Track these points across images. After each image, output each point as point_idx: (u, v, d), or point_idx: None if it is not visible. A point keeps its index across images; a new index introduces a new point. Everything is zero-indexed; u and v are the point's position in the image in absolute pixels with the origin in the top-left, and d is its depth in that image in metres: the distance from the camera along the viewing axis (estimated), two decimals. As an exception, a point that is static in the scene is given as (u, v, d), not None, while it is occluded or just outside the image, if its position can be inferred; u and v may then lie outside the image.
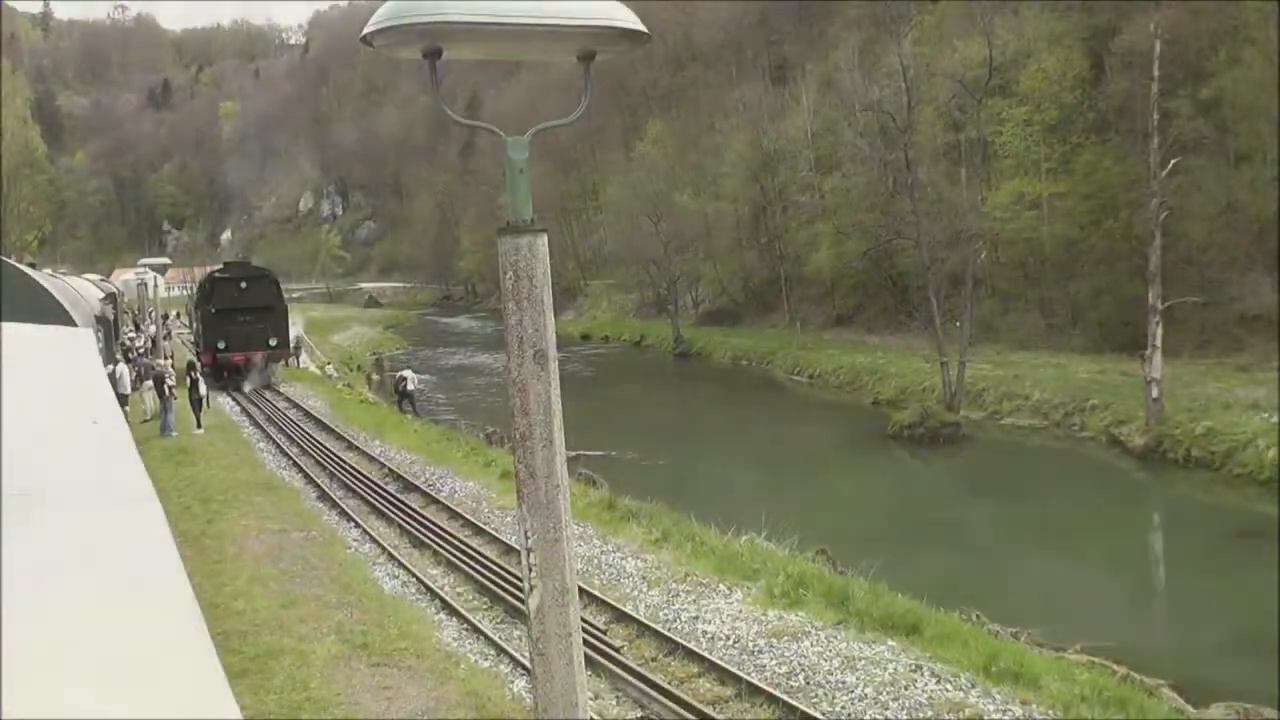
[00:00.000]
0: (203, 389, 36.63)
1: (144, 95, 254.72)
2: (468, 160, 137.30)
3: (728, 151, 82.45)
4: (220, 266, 55.48)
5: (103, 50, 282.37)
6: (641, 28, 4.45)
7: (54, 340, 10.69)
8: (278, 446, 33.80)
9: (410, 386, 46.46)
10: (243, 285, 48.23)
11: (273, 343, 47.89)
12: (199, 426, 34.79)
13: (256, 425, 38.31)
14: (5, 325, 11.19)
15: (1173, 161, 37.58)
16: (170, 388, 34.57)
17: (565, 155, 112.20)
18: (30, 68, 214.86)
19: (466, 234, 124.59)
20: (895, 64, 53.12)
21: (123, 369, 35.93)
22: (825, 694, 13.74)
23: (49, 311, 22.64)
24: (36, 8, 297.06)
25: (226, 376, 47.22)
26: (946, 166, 58.32)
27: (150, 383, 37.45)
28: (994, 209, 53.23)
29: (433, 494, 26.07)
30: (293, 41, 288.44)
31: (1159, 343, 35.15)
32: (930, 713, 13.04)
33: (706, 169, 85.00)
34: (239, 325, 47.07)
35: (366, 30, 4.24)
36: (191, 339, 64.73)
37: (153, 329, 53.28)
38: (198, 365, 41.40)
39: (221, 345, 47.10)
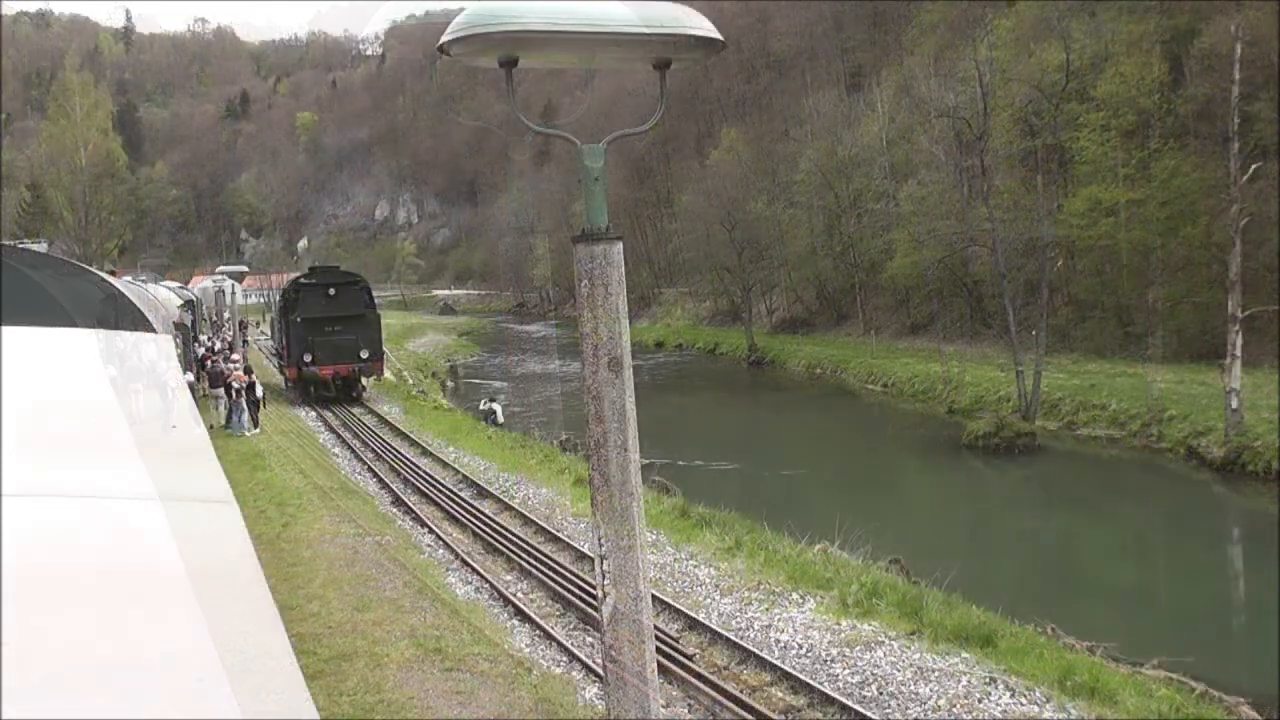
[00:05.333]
0: (259, 391, 37.00)
1: (222, 106, 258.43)
2: (542, 168, 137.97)
3: (802, 159, 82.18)
4: (306, 271, 51.44)
5: (183, 63, 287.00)
6: (717, 35, 4.45)
7: (133, 346, 10.84)
8: (352, 452, 34.08)
9: (500, 419, 43.37)
10: (331, 292, 44.51)
11: (364, 355, 44.18)
12: (256, 426, 35.52)
13: (331, 430, 38.63)
14: (87, 332, 11.36)
15: (1254, 166, 36.98)
16: (237, 390, 35.29)
17: (640, 162, 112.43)
18: (112, 81, 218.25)
19: (541, 241, 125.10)
20: (971, 69, 52.70)
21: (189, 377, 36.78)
22: (899, 705, 13.64)
23: (129, 318, 22.95)
24: (120, 22, 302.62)
25: (313, 393, 44.35)
26: (1023, 173, 57.70)
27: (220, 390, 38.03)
28: (1070, 216, 52.58)
29: (506, 500, 26.16)
30: (369, 52, 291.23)
31: (1239, 352, 34.57)
32: (1005, 726, 12.91)
33: (780, 176, 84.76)
34: (327, 336, 43.57)
35: (443, 39, 4.27)
36: (273, 350, 63.81)
37: (229, 335, 53.52)
38: (253, 368, 39.87)
39: (308, 358, 43.66)
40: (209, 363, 41.58)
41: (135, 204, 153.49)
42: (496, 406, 44.85)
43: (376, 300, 46.74)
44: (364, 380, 46.01)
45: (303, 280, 47.02)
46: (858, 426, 49.99)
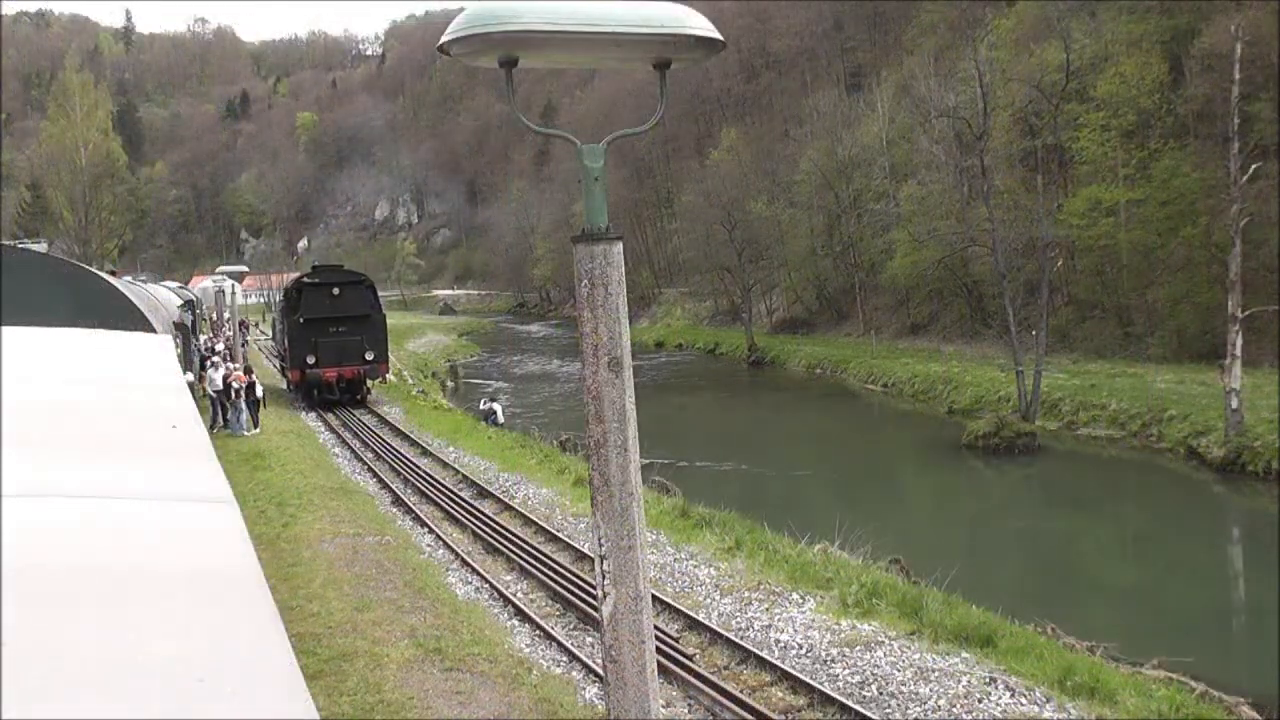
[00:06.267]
0: (259, 391, 36.96)
1: (222, 106, 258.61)
2: (542, 168, 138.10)
3: (802, 159, 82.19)
4: (309, 270, 49.65)
5: (183, 63, 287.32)
6: (717, 35, 4.45)
7: (133, 346, 10.85)
8: (352, 452, 34.07)
9: (500, 420, 42.92)
10: (335, 292, 43.21)
11: (369, 356, 43.20)
12: (256, 426, 35.60)
13: (331, 430, 38.62)
14: (87, 331, 11.38)
15: (1254, 166, 36.95)
16: (236, 390, 35.34)
17: (640, 162, 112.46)
18: (112, 81, 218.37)
19: (541, 241, 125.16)
20: (971, 69, 52.71)
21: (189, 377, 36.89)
22: (898, 705, 13.63)
23: (129, 318, 22.92)
24: (120, 22, 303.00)
25: (316, 396, 43.32)
26: (1023, 173, 57.77)
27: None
28: (1070, 216, 52.62)
29: (506, 500, 26.15)
30: (369, 52, 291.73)
31: (1239, 352, 34.53)
32: (1005, 726, 12.90)
33: (780, 176, 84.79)
34: (331, 337, 42.38)
35: (443, 39, 4.27)
36: (274, 350, 63.09)
37: (229, 335, 53.30)
38: (253, 368, 39.21)
39: (311, 360, 42.34)
40: (209, 363, 41.41)
41: (135, 204, 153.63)
42: (496, 407, 44.66)
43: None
44: (368, 382, 45.15)
45: (306, 280, 45.54)
46: (858, 426, 49.95)
